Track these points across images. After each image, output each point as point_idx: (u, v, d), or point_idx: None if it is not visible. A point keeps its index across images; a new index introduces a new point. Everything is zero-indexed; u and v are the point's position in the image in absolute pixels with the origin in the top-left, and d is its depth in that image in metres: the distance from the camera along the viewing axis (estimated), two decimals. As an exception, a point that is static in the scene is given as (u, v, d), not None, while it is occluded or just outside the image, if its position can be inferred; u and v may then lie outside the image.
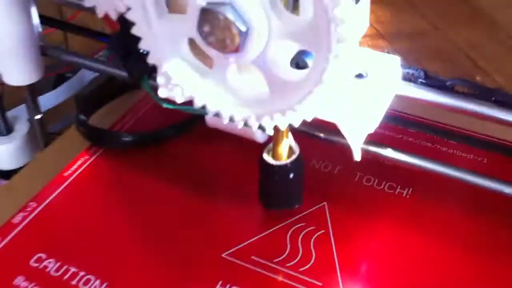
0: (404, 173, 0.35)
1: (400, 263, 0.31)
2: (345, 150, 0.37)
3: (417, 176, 0.35)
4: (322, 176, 0.36)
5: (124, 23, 0.30)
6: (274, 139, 0.30)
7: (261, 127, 0.27)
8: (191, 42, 0.26)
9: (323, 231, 0.32)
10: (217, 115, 0.27)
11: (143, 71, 0.32)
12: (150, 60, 0.27)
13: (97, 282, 0.30)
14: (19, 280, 0.30)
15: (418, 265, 0.31)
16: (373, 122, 0.28)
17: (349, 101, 0.27)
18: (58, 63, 0.55)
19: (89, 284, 0.30)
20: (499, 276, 0.30)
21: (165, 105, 0.30)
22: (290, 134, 0.31)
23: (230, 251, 0.31)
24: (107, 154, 0.38)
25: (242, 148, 0.35)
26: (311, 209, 0.33)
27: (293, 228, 0.32)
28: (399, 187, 0.35)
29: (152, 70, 0.29)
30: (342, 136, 0.33)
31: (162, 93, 0.28)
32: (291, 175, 0.31)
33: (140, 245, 0.32)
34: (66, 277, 0.30)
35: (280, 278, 0.30)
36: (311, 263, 0.31)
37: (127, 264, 0.31)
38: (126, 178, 0.36)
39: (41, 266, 0.31)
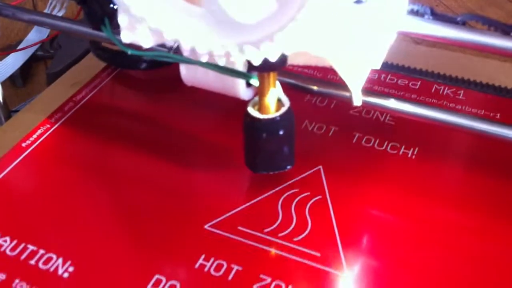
0: (409, 131, 0.31)
1: (404, 229, 0.27)
2: (340, 110, 0.33)
3: (424, 134, 0.31)
4: (316, 138, 0.32)
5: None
6: (260, 90, 0.26)
7: (246, 77, 0.23)
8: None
9: (319, 197, 0.28)
10: (193, 54, 0.22)
11: (104, 14, 0.26)
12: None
13: (59, 261, 0.26)
14: (-31, 262, 0.26)
15: (423, 231, 0.27)
16: (376, 56, 0.24)
17: (345, 30, 0.22)
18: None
19: (50, 264, 0.26)
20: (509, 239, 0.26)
21: (131, 52, 0.25)
22: (278, 84, 0.26)
23: (214, 222, 0.27)
24: (69, 123, 0.34)
25: (227, 107, 0.31)
26: (305, 174, 0.29)
27: (285, 195, 0.28)
28: (403, 147, 0.31)
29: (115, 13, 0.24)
30: (339, 88, 0.29)
31: (125, 37, 0.23)
32: (281, 131, 0.26)
33: (110, 220, 0.28)
34: (23, 256, 0.26)
35: (272, 249, 0.26)
36: (307, 232, 0.27)
37: (95, 241, 0.27)
38: (90, 147, 0.32)
39: (-6, 246, 0.27)
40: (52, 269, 0.26)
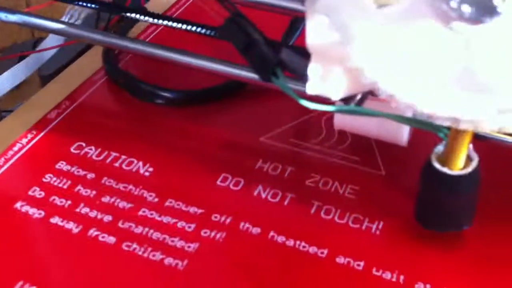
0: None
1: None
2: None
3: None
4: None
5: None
6: (452, 144, 0.24)
7: (435, 130, 0.22)
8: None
9: (356, 116, 0.33)
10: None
11: (274, 62, 0.25)
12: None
13: (140, 163, 0.31)
14: (61, 165, 0.31)
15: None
16: None
17: None
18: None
19: (132, 165, 0.31)
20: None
21: (310, 105, 0.22)
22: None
23: (268, 135, 0.32)
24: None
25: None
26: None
27: (327, 115, 0.33)
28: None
29: (284, 63, 0.24)
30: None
31: (312, 88, 0.20)
32: (469, 189, 0.25)
33: (180, 130, 0.33)
34: (108, 160, 0.31)
35: (318, 155, 0.31)
36: (347, 143, 0.32)
37: (169, 150, 0.32)
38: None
39: (82, 153, 0.31)
40: (134, 170, 0.30)
